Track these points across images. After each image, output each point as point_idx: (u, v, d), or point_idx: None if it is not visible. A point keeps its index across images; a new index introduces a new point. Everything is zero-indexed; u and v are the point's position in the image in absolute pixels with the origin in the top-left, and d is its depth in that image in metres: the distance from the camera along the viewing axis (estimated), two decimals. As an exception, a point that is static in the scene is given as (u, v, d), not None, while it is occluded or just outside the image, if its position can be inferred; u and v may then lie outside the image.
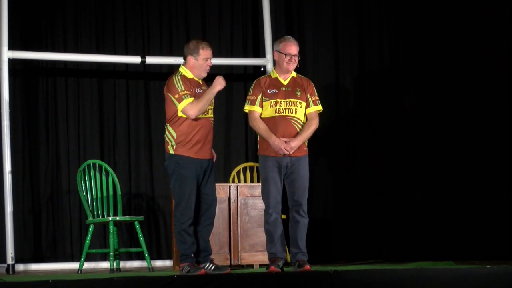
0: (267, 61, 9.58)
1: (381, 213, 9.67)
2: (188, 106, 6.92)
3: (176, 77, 7.03)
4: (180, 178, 6.96)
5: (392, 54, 9.99)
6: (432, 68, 9.81)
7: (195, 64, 7.07)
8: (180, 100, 6.93)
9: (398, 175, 9.73)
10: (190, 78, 7.06)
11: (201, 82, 7.15)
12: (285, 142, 7.07)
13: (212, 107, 7.14)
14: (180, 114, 6.96)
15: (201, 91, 7.05)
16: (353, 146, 9.84)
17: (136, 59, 9.35)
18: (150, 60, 9.39)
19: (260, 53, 9.86)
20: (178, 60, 9.40)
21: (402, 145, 9.77)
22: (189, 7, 9.88)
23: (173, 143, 6.99)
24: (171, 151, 7.00)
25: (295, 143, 7.07)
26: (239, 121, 9.88)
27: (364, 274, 6.59)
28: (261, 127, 7.18)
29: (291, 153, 7.08)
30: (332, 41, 10.03)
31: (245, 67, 9.95)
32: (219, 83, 7.05)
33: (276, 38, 8.43)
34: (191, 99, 6.94)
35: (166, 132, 7.05)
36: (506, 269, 6.76)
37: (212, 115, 7.14)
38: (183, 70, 7.11)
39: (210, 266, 7.05)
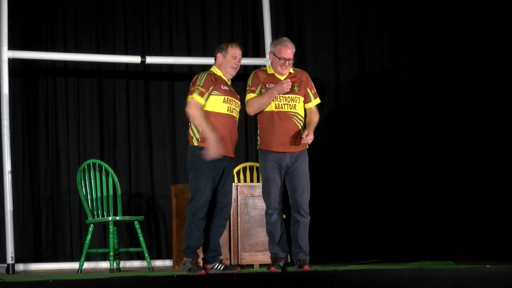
0: (267, 61, 9.57)
1: (381, 213, 9.67)
2: (192, 102, 6.95)
3: (203, 73, 7.11)
4: (197, 171, 6.95)
5: (392, 54, 9.98)
6: (432, 68, 9.81)
7: (223, 61, 7.15)
8: (191, 92, 6.98)
9: (398, 175, 9.73)
10: (218, 76, 7.13)
11: (229, 83, 7.20)
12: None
13: (237, 108, 7.20)
14: (204, 107, 6.98)
15: (227, 88, 7.11)
16: (353, 146, 9.84)
17: (136, 59, 9.35)
18: (150, 60, 9.39)
19: (260, 53, 9.86)
20: (178, 60, 9.43)
21: (402, 145, 9.77)
22: (189, 7, 9.89)
23: (198, 136, 6.98)
24: (195, 144, 6.99)
25: (312, 135, 7.04)
26: (239, 121, 9.85)
27: (364, 274, 6.58)
28: (256, 101, 7.16)
29: (309, 142, 7.05)
30: (332, 41, 10.03)
31: (245, 67, 9.94)
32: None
33: (276, 38, 8.42)
34: (200, 98, 6.95)
35: (192, 126, 7.04)
36: (506, 269, 6.76)
37: (236, 115, 7.19)
38: (213, 68, 7.20)
39: (219, 266, 7.06)
